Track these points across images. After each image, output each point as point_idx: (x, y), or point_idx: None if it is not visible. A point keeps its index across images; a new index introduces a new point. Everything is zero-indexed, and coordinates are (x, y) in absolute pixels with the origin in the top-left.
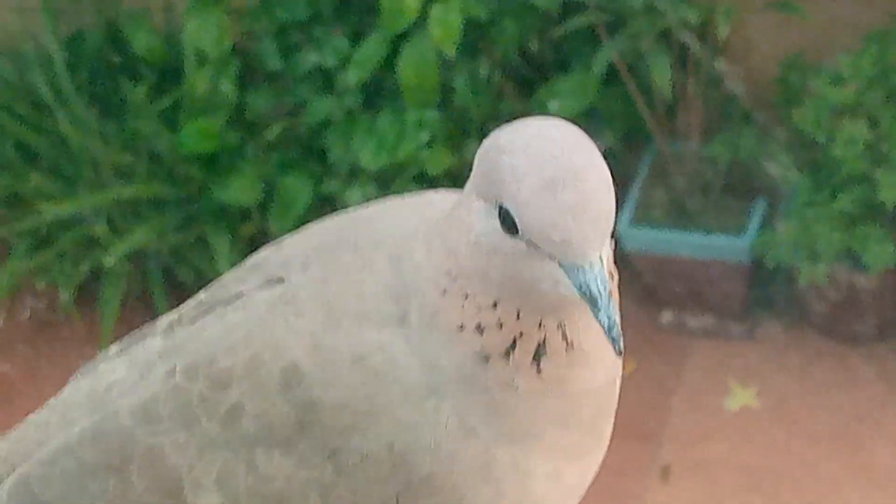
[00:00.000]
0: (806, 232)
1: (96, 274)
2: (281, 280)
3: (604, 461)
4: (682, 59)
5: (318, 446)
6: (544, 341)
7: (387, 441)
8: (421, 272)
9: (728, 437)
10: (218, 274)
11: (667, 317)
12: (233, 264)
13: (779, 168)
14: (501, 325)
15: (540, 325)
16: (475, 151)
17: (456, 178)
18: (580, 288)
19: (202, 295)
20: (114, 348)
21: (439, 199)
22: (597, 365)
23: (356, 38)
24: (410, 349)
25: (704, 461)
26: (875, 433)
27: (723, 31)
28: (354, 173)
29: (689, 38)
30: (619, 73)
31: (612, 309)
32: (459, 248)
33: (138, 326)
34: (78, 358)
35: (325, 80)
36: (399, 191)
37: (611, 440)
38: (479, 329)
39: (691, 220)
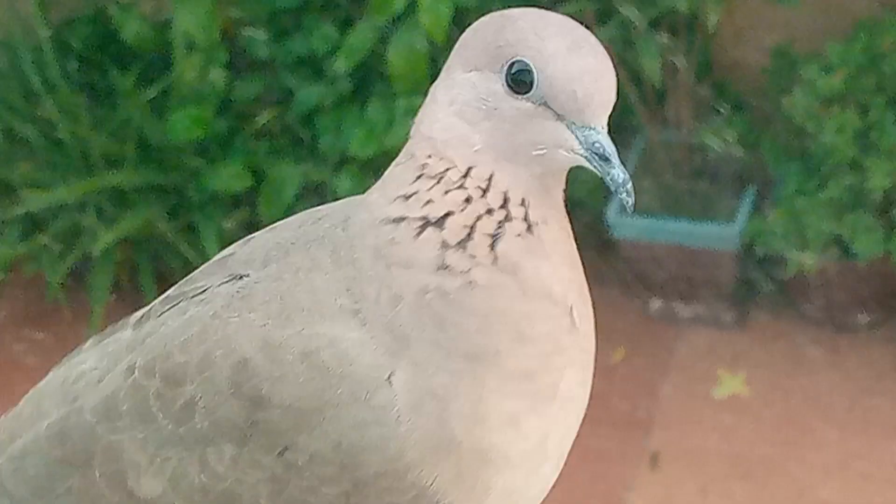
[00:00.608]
0: (795, 220)
1: (85, 262)
2: (241, 277)
3: (587, 448)
4: (671, 46)
5: (268, 444)
6: (505, 219)
7: (334, 439)
8: (372, 211)
9: (717, 425)
10: (206, 261)
11: (656, 305)
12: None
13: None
14: (467, 201)
15: (505, 200)
16: None
17: None
18: (592, 147)
19: (172, 290)
20: (90, 340)
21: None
22: (556, 264)
23: (345, 25)
24: (362, 338)
25: (693, 449)
26: (864, 421)
27: (713, 19)
28: (344, 161)
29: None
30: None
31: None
32: (434, 126)
33: (127, 314)
34: (66, 346)
35: (315, 67)
36: None
37: (598, 427)
38: (440, 223)
39: (681, 208)
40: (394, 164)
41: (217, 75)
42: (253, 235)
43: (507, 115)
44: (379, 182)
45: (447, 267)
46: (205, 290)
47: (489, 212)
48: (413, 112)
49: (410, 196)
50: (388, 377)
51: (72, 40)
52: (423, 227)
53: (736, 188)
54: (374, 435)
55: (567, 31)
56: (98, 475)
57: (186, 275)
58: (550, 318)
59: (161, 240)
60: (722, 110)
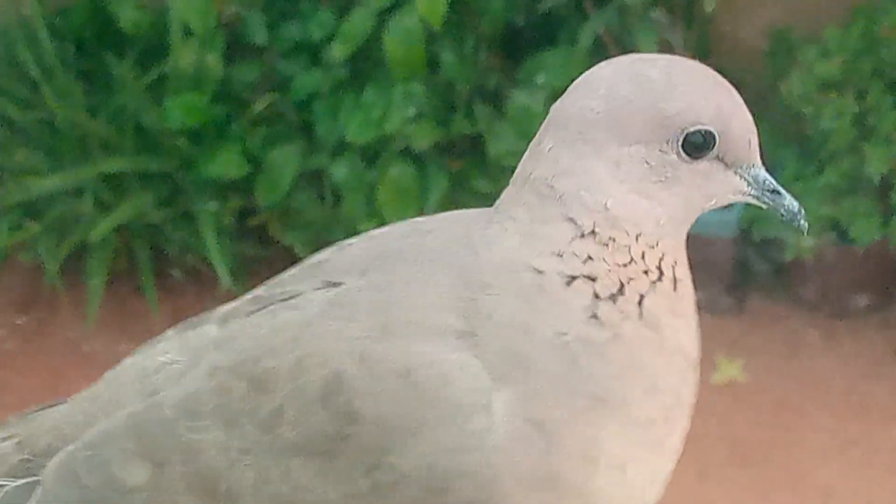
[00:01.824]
0: None
1: (82, 248)
2: (337, 284)
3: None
4: (668, 30)
5: (356, 461)
6: (658, 279)
7: (426, 462)
8: (512, 256)
9: (715, 411)
10: (204, 247)
11: None
12: (219, 238)
13: None
14: (630, 262)
15: (660, 261)
16: (462, 125)
17: (443, 151)
18: (763, 185)
19: (261, 290)
20: (170, 332)
21: (477, 217)
22: (690, 323)
23: (342, 11)
24: (466, 361)
25: (691, 434)
26: (861, 406)
27: (710, 3)
28: (341, 147)
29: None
30: (607, 45)
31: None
32: (609, 202)
33: (124, 300)
34: (64, 332)
35: (312, 54)
36: (386, 165)
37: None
38: (591, 277)
39: None
40: (518, 206)
41: (213, 62)
42: (350, 242)
43: (687, 181)
44: (508, 223)
45: (597, 318)
46: (297, 296)
47: (646, 272)
48: (410, 99)
49: (564, 254)
50: (489, 403)
51: (68, 27)
52: (573, 279)
53: None
54: (467, 461)
55: (717, 82)
56: (175, 473)
57: (184, 261)
58: (679, 372)
59: (158, 227)
60: None
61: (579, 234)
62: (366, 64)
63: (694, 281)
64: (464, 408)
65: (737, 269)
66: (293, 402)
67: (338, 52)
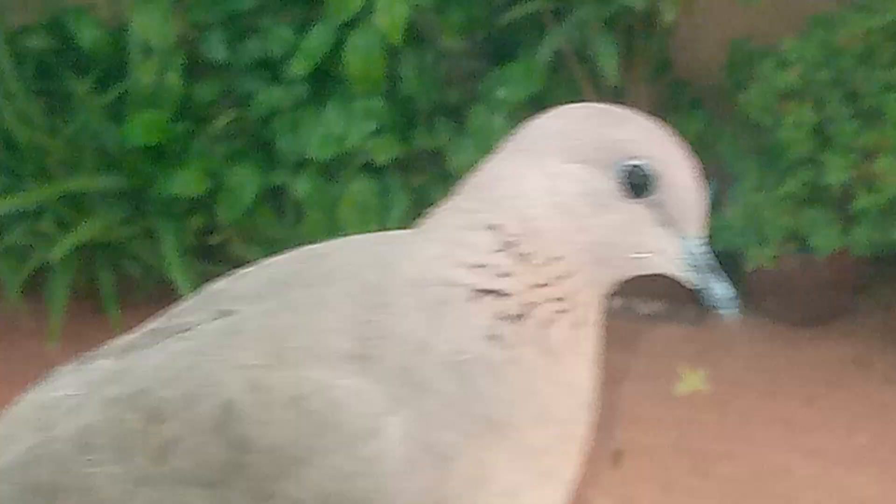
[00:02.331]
0: (754, 216)
1: (44, 269)
2: (230, 313)
3: None
4: (628, 45)
5: (250, 490)
6: (566, 310)
7: (319, 490)
8: (425, 266)
9: (679, 422)
10: (166, 266)
11: (616, 302)
12: (181, 256)
13: None
14: (543, 285)
15: (575, 295)
16: (423, 140)
17: (404, 167)
18: (697, 258)
19: (155, 323)
20: (66, 367)
21: (394, 233)
22: (589, 361)
23: (302, 27)
24: (359, 386)
25: (655, 446)
26: (824, 416)
27: (668, 16)
28: (302, 163)
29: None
30: (566, 59)
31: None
32: (532, 211)
33: (86, 321)
34: (25, 353)
35: (272, 70)
36: (347, 180)
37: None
38: (501, 294)
39: None
40: (450, 213)
41: (174, 80)
42: (246, 271)
43: (618, 215)
44: (434, 232)
45: (497, 337)
46: (191, 327)
47: (558, 300)
48: (371, 114)
49: (485, 266)
50: (383, 428)
51: (28, 47)
52: (482, 294)
53: None
54: (360, 487)
55: (675, 140)
56: None
57: (146, 280)
58: (572, 409)
59: (120, 246)
60: (680, 107)
61: (500, 243)
62: (326, 80)
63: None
64: (355, 434)
65: None
66: (187, 432)
67: (298, 68)
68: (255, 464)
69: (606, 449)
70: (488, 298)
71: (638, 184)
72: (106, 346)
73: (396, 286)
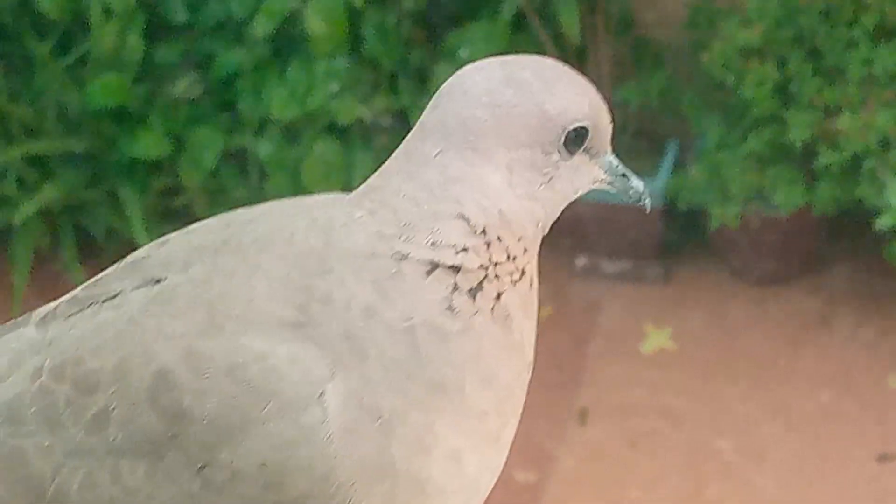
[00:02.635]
0: (717, 174)
1: (7, 231)
2: (159, 280)
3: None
4: (590, 3)
5: (187, 460)
6: (521, 276)
7: (258, 459)
8: (376, 239)
9: (645, 380)
10: (129, 229)
11: (581, 261)
12: (144, 218)
13: None
14: (503, 262)
15: (527, 261)
16: (386, 100)
17: (367, 127)
18: (615, 171)
19: (79, 291)
20: None
21: (324, 199)
22: (533, 324)
23: None
24: (297, 353)
25: (622, 404)
26: (789, 373)
27: None
28: (265, 125)
29: None
30: (528, 18)
31: None
32: (502, 206)
33: (50, 284)
34: None
35: (234, 31)
36: (310, 142)
37: (528, 389)
38: (456, 268)
39: None
40: (396, 197)
41: (135, 41)
42: (168, 237)
43: (563, 177)
44: (382, 210)
45: (452, 308)
46: (117, 294)
47: (511, 272)
48: (333, 75)
49: (440, 244)
50: (321, 395)
51: None
52: (436, 267)
53: (657, 144)
54: (301, 455)
55: (581, 79)
56: None
57: (109, 242)
58: (515, 370)
59: (83, 208)
60: (642, 66)
61: (470, 230)
62: (288, 41)
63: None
64: (295, 402)
65: (663, 239)
66: (119, 402)
67: (259, 28)
68: (191, 434)
69: (573, 407)
70: (441, 271)
71: (574, 141)
72: (25, 315)
73: (338, 254)
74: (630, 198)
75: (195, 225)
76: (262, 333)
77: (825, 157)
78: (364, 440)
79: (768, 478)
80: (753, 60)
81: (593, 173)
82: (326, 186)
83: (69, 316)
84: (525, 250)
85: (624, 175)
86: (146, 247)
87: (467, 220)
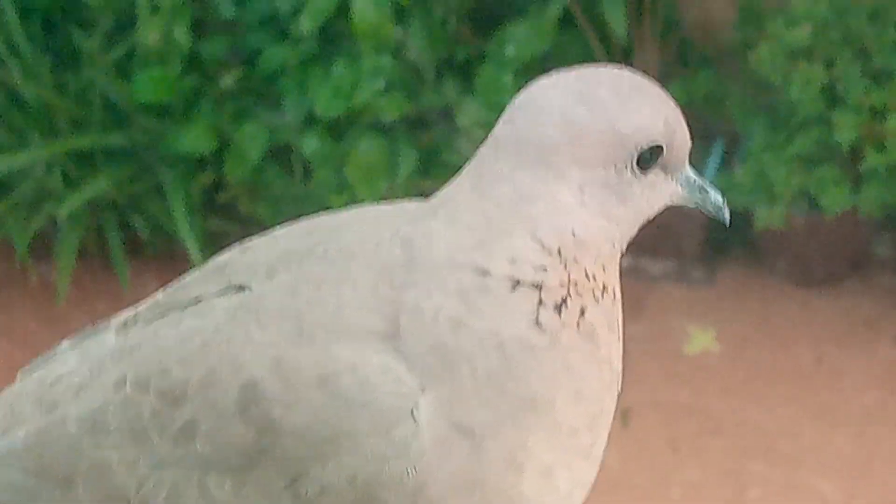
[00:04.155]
0: (763, 175)
1: (52, 226)
2: (243, 287)
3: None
4: (637, 2)
5: (276, 473)
6: (603, 293)
7: (349, 473)
8: (463, 253)
9: (688, 381)
10: (173, 224)
11: (625, 262)
12: (189, 213)
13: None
14: (581, 280)
15: (609, 275)
16: (431, 97)
17: (412, 125)
18: (693, 185)
19: (159, 295)
20: (65, 343)
21: (404, 208)
22: (619, 337)
23: None
24: (389, 364)
25: (664, 405)
26: (833, 375)
27: None
28: (310, 121)
29: None
30: (575, 16)
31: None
32: (575, 227)
33: (94, 279)
34: (34, 311)
35: (280, 27)
36: (355, 139)
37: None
38: (538, 286)
39: None
40: (471, 210)
41: (181, 36)
42: (251, 243)
43: (638, 195)
44: (459, 220)
45: (539, 324)
46: (200, 301)
47: (593, 289)
48: (379, 72)
49: (519, 261)
50: (414, 408)
51: (35, 3)
52: (519, 284)
53: (703, 144)
54: (392, 470)
55: (661, 95)
56: (82, 494)
57: (154, 237)
58: (604, 383)
59: (128, 203)
60: (688, 65)
61: (545, 251)
62: (334, 37)
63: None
64: (388, 414)
65: (708, 239)
66: (206, 414)
67: (305, 25)
68: (281, 447)
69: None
70: (525, 288)
71: (648, 160)
72: (110, 320)
73: (422, 266)
74: (710, 212)
75: (278, 230)
76: (352, 343)
77: (872, 159)
78: (455, 455)
79: (812, 481)
80: (801, 61)
81: (670, 189)
82: (370, 184)
83: (151, 322)
84: (604, 268)
85: (702, 189)
86: (228, 252)
87: (540, 241)
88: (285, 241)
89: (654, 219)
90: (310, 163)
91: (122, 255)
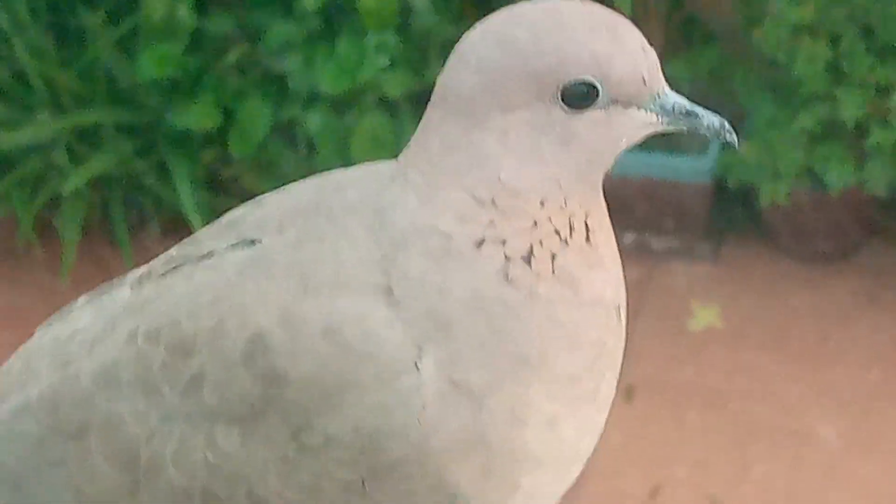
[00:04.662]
0: (768, 151)
1: (56, 202)
2: (254, 242)
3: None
4: None
5: (281, 423)
6: (569, 236)
7: (354, 422)
8: (417, 218)
9: (692, 358)
10: (178, 200)
11: (630, 238)
12: (193, 189)
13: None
14: (535, 225)
15: (570, 220)
16: (436, 74)
17: (416, 101)
18: (673, 110)
19: (173, 251)
20: (82, 299)
21: (392, 167)
22: (609, 269)
23: None
24: (392, 318)
25: (668, 382)
26: (839, 352)
27: None
28: (314, 98)
29: None
30: None
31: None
32: (504, 175)
33: (99, 254)
34: (39, 286)
35: (285, 3)
36: (359, 115)
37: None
38: (500, 240)
39: (653, 141)
40: (415, 171)
41: (186, 13)
42: (263, 197)
43: (584, 133)
44: (407, 183)
45: (510, 279)
46: (212, 254)
47: (556, 232)
48: (383, 49)
49: (466, 218)
50: (418, 360)
51: None
52: (481, 242)
53: None
54: (396, 420)
55: (591, 25)
56: (94, 446)
57: (158, 215)
58: (600, 323)
59: (132, 179)
60: (693, 41)
61: (478, 203)
62: (339, 13)
63: (669, 227)
64: (393, 365)
65: (712, 216)
66: (214, 365)
67: (310, 2)
68: (287, 397)
69: (619, 384)
70: (488, 245)
71: (581, 96)
72: (120, 277)
73: (400, 229)
74: (708, 136)
75: (291, 185)
76: (357, 296)
77: (876, 136)
78: (458, 413)
79: (817, 457)
80: (805, 38)
81: (638, 120)
82: (375, 159)
83: (164, 275)
84: (560, 209)
85: (691, 113)
86: (242, 207)
87: (472, 194)
88: (296, 196)
89: (658, 195)
90: (314, 139)
91: (125, 231)
